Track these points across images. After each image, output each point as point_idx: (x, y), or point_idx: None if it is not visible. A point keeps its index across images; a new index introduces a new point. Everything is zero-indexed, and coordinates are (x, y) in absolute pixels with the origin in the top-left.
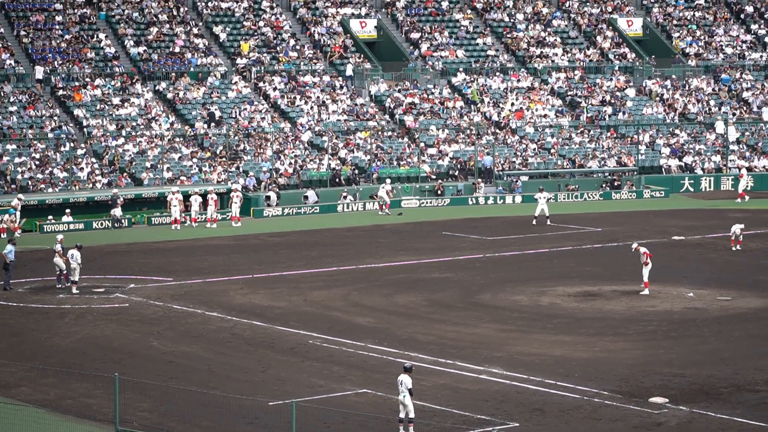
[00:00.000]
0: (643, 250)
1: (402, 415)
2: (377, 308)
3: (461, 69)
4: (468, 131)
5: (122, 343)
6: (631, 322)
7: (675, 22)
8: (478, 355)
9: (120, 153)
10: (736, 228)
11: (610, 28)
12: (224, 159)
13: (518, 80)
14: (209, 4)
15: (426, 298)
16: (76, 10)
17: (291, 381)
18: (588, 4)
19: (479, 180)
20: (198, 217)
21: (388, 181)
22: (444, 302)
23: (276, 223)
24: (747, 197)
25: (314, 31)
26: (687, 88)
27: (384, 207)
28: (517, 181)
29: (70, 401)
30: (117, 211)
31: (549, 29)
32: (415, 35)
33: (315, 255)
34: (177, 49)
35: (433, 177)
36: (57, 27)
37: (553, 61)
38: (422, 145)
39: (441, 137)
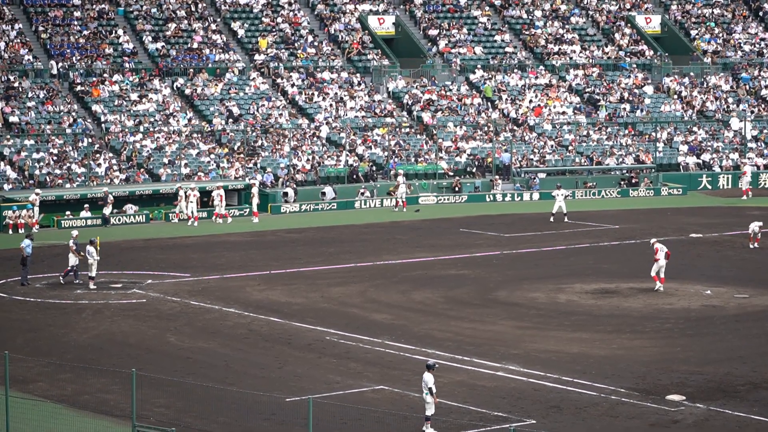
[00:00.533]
0: (656, 247)
1: (429, 412)
2: (394, 305)
3: (479, 66)
4: (486, 128)
5: (139, 338)
6: (649, 320)
7: (693, 19)
8: (495, 352)
9: (138, 149)
10: (755, 226)
11: (629, 25)
12: (242, 155)
13: (536, 77)
14: (227, 0)
15: (443, 294)
16: (94, 6)
17: (308, 377)
18: (606, 1)
19: (497, 177)
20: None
21: (401, 171)
22: (461, 299)
23: (293, 219)
24: (744, 196)
25: (332, 27)
26: (705, 85)
27: (401, 204)
28: (534, 178)
29: (87, 397)
30: (107, 210)
31: (567, 26)
32: (433, 32)
33: (332, 251)
34: (195, 45)
35: (451, 174)
36: (75, 23)
37: (571, 58)
38: (440, 141)
39: (459, 134)
